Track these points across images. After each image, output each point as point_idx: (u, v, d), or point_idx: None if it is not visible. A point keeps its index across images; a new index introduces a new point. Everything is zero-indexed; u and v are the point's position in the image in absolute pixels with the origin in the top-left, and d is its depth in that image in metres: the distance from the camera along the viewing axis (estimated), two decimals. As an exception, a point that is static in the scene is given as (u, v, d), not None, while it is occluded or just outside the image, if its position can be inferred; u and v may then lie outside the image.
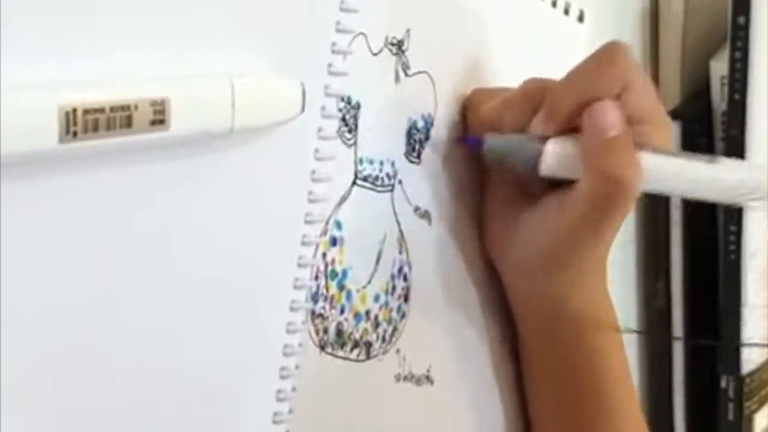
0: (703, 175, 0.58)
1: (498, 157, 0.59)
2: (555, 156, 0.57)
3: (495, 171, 0.62)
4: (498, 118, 0.59)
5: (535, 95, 0.58)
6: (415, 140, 0.59)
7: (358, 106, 0.55)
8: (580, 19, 0.73)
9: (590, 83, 0.57)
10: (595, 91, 0.56)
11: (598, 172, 0.56)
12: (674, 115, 0.82)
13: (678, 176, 0.58)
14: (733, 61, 0.81)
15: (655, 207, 0.87)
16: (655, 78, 0.85)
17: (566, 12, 0.72)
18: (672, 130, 0.61)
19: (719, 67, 0.84)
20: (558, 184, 0.58)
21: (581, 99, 0.56)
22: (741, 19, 0.80)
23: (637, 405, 0.65)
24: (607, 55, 0.57)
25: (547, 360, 0.64)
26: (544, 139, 0.57)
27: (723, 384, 0.85)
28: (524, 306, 0.63)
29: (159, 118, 0.41)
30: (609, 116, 0.56)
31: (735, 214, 0.83)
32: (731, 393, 0.85)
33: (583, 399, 0.63)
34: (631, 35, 0.83)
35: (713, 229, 0.86)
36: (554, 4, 0.71)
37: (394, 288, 0.58)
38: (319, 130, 0.52)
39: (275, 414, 0.52)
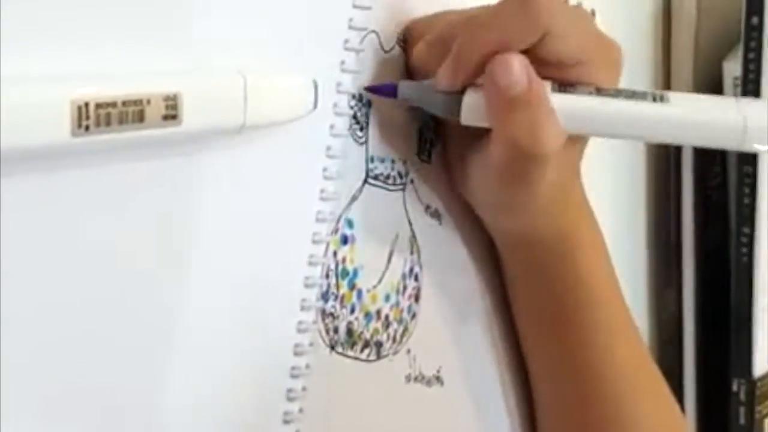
0: (647, 116, 0.53)
1: (416, 105, 0.55)
2: (474, 108, 0.52)
3: None
4: (423, 62, 0.55)
5: (452, 39, 0.52)
6: (426, 139, 0.59)
7: (369, 104, 0.55)
8: (591, 18, 0.73)
9: (500, 34, 0.51)
10: (506, 43, 0.51)
11: (503, 137, 0.51)
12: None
13: (616, 117, 0.53)
14: (746, 62, 0.81)
15: (666, 211, 0.86)
16: (667, 79, 0.85)
17: (578, 11, 0.72)
18: (619, 64, 0.55)
19: (732, 68, 0.84)
20: None
21: (487, 53, 0.51)
22: (754, 20, 0.80)
23: (628, 324, 0.62)
24: (517, 2, 0.51)
25: (533, 295, 0.61)
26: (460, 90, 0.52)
27: (734, 388, 0.85)
28: (503, 240, 0.61)
29: (171, 113, 0.41)
30: (510, 73, 0.50)
31: (748, 217, 0.83)
32: (742, 396, 0.85)
33: (569, 327, 0.60)
34: (642, 35, 0.82)
35: (726, 233, 0.86)
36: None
37: (405, 288, 0.58)
38: (331, 127, 0.52)
39: (285, 413, 0.51)
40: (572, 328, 0.60)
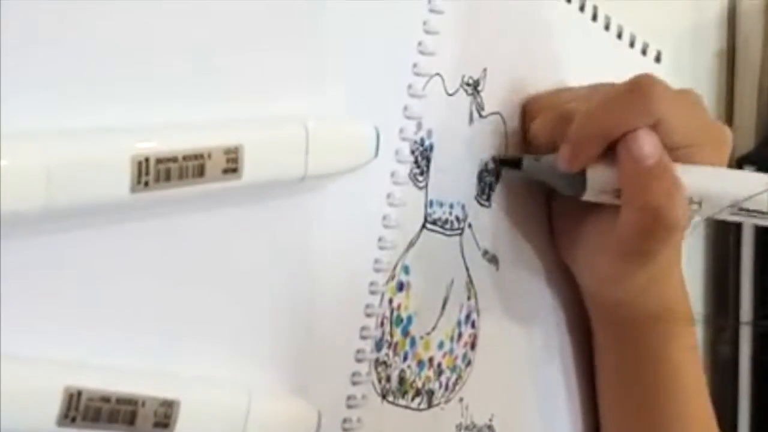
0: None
1: (538, 179, 0.58)
2: (594, 186, 0.55)
3: None
4: (540, 138, 0.58)
5: (569, 120, 0.56)
6: (486, 182, 0.58)
7: (430, 148, 0.53)
8: (657, 59, 0.72)
9: (614, 121, 0.54)
10: (620, 129, 0.54)
11: (636, 204, 0.54)
12: (748, 159, 0.80)
13: (726, 192, 0.55)
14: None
15: (725, 250, 0.85)
16: (730, 121, 0.83)
17: (644, 52, 0.71)
18: (728, 146, 0.58)
19: (797, 110, 0.82)
20: None
21: (606, 136, 0.54)
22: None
23: (710, 416, 0.63)
24: (632, 90, 0.54)
25: (620, 365, 0.63)
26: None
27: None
28: (598, 309, 0.62)
29: (232, 166, 0.40)
30: (644, 146, 0.53)
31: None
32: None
33: (653, 413, 0.61)
34: (707, 76, 0.81)
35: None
36: (632, 45, 0.70)
37: (460, 335, 0.56)
38: (393, 174, 0.51)
39: (336, 466, 0.50)
40: (657, 417, 0.61)
